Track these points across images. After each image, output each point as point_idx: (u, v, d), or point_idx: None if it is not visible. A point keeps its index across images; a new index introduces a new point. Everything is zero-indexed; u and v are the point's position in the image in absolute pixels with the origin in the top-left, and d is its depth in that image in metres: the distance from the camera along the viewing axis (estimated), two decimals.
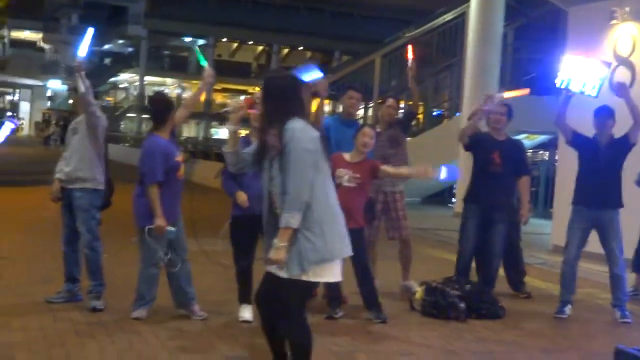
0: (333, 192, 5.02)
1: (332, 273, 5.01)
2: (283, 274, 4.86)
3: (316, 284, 5.16)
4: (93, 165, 7.65)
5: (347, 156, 7.73)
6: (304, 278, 4.86)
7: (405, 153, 9.18)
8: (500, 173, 8.62)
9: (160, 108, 7.42)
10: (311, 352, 5.05)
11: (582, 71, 8.57)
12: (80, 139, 7.67)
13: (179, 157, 7.34)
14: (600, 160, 8.41)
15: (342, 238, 4.99)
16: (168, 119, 7.31)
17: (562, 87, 8.58)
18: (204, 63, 7.82)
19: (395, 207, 9.00)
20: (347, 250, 5.02)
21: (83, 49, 7.42)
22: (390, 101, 9.37)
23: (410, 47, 9.52)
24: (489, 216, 8.65)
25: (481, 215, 8.69)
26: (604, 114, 8.47)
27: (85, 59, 7.44)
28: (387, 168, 7.81)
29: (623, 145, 8.47)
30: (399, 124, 9.26)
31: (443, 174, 6.58)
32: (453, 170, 6.65)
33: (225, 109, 5.14)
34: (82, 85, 7.36)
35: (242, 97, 5.27)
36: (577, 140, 8.61)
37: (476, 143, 8.76)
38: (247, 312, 7.34)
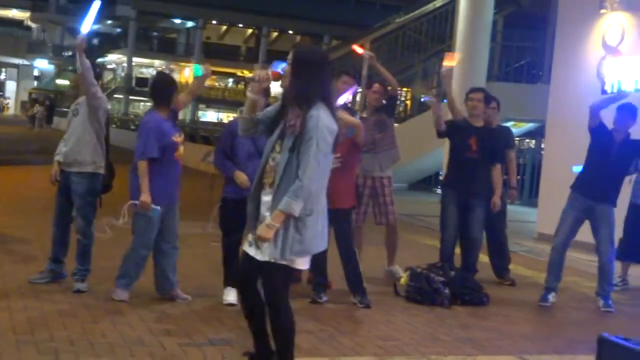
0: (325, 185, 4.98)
1: (304, 263, 4.99)
2: (260, 256, 4.83)
3: (295, 269, 5.06)
4: (92, 148, 7.53)
5: None
6: (282, 262, 4.82)
7: (393, 137, 9.19)
8: (477, 159, 8.60)
9: (162, 86, 7.40)
10: (294, 336, 5.04)
11: (627, 70, 8.39)
12: (81, 120, 7.56)
13: (177, 138, 7.23)
14: (611, 155, 8.35)
15: (323, 233, 4.94)
16: (169, 98, 7.28)
17: (613, 91, 8.39)
18: (198, 72, 7.72)
19: (383, 192, 9.01)
20: (324, 245, 4.97)
21: (87, 24, 7.25)
22: (376, 86, 9.34)
23: (356, 46, 9.54)
24: (467, 202, 8.65)
25: (459, 200, 8.69)
26: (627, 113, 8.41)
27: (86, 36, 7.26)
28: (353, 122, 7.75)
29: (636, 148, 8.44)
30: (384, 108, 9.25)
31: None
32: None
33: (250, 76, 5.02)
34: (82, 65, 7.26)
35: (270, 70, 5.06)
36: (598, 129, 8.45)
37: (453, 129, 8.75)
38: (231, 295, 7.32)
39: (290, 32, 69.74)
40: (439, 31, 21.31)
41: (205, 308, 7.23)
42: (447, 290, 8.02)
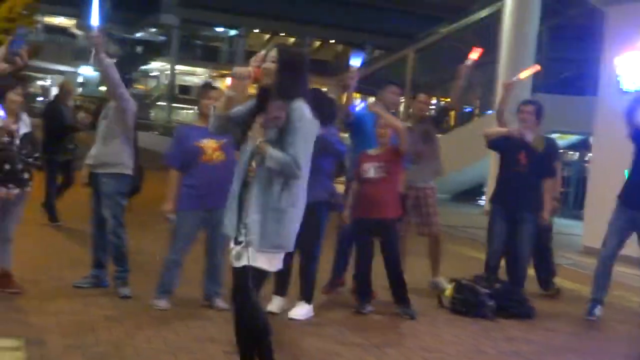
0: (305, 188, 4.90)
1: (278, 262, 4.87)
2: (238, 263, 4.76)
3: (268, 273, 4.89)
4: (120, 150, 7.60)
5: (371, 151, 7.75)
6: (260, 266, 4.72)
7: (437, 148, 9.15)
8: (526, 173, 8.47)
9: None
10: (270, 333, 4.89)
11: None
12: (109, 123, 7.63)
13: (204, 143, 7.16)
14: None
15: (296, 231, 4.86)
16: (199, 105, 7.39)
17: (636, 89, 8.06)
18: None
19: (426, 202, 8.96)
20: (292, 245, 4.86)
21: (94, 16, 7.12)
22: (422, 96, 9.29)
23: (478, 50, 9.14)
24: (515, 216, 8.54)
25: (507, 215, 8.58)
26: None
27: (98, 28, 7.13)
28: (399, 132, 7.71)
29: None
30: (432, 119, 9.19)
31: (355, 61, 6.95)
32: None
33: (232, 72, 4.98)
34: (102, 63, 7.23)
35: (250, 68, 4.98)
36: (638, 134, 8.29)
37: (503, 142, 8.64)
38: (272, 304, 7.31)
39: (332, 41, 69.77)
40: (483, 42, 21.18)
41: None
42: (492, 303, 7.95)
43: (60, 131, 11.47)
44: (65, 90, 12.47)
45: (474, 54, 8.95)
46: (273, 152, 4.65)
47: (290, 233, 4.77)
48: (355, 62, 7.64)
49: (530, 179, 8.48)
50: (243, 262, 4.76)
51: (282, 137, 4.69)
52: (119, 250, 7.62)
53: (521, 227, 8.52)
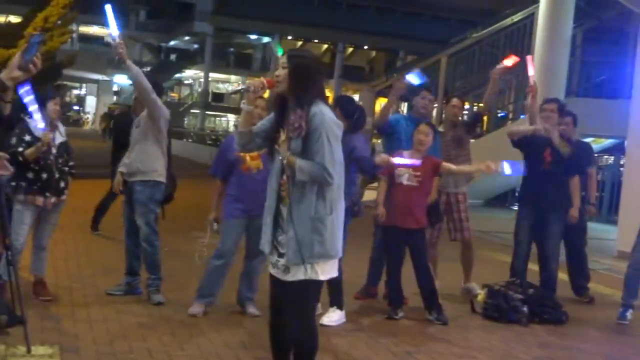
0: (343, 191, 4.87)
1: (333, 269, 4.83)
2: (288, 277, 4.72)
3: (321, 282, 4.87)
4: (154, 158, 7.62)
5: (406, 154, 7.70)
6: (310, 277, 4.68)
7: (468, 154, 9.09)
8: (552, 172, 8.40)
9: None
10: (316, 354, 4.91)
11: None
12: (142, 131, 7.65)
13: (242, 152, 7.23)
14: None
15: (342, 236, 4.82)
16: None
17: None
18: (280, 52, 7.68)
19: (457, 208, 8.93)
20: (341, 250, 4.81)
21: (113, 27, 7.04)
22: (455, 101, 9.22)
23: (514, 59, 8.97)
24: (542, 217, 8.48)
25: (534, 216, 8.52)
26: None
27: (117, 37, 7.03)
28: (449, 165, 7.77)
29: None
30: (464, 125, 9.15)
31: (507, 169, 6.44)
32: (516, 165, 6.48)
33: (246, 88, 4.95)
34: (131, 70, 7.23)
35: (263, 78, 4.92)
36: None
37: (528, 141, 8.56)
38: (332, 318, 7.33)
39: (365, 47, 69.78)
40: (516, 46, 21.06)
41: None
42: (525, 308, 7.90)
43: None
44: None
45: (509, 61, 8.76)
46: (302, 164, 4.61)
47: (333, 240, 4.70)
48: (413, 79, 7.75)
49: (556, 177, 8.40)
50: (288, 278, 4.74)
51: (307, 145, 4.64)
52: (152, 258, 7.65)
53: (548, 227, 8.47)
